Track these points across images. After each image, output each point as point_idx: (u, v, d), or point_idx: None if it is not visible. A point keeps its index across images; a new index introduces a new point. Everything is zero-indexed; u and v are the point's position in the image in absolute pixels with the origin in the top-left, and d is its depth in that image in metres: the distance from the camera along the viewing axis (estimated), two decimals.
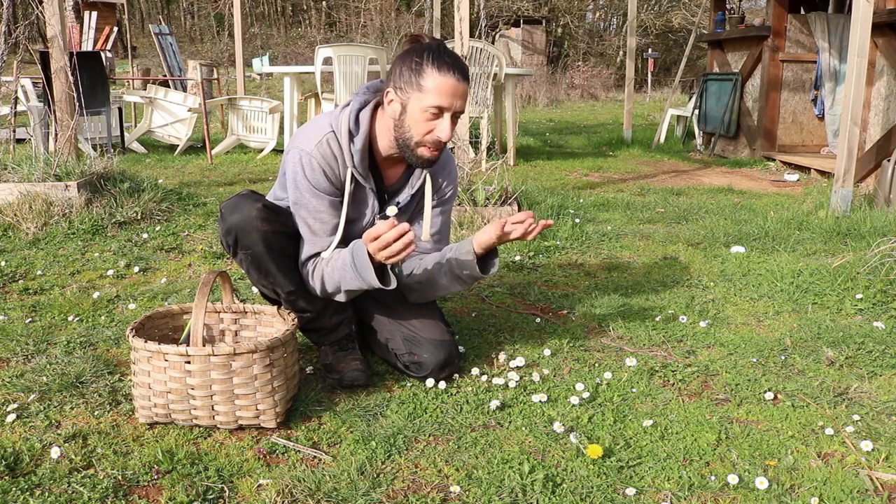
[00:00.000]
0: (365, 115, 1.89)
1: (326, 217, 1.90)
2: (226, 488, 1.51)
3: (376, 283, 1.81)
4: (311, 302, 1.97)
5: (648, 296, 2.79)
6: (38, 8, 3.95)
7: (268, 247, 1.86)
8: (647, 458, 1.65)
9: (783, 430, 1.78)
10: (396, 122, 1.85)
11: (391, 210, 1.89)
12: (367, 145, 1.91)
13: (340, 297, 1.93)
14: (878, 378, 2.07)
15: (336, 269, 1.87)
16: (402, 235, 1.70)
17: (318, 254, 1.91)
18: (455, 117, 1.83)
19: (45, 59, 4.35)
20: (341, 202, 1.92)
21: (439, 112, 1.80)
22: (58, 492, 1.48)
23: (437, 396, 1.94)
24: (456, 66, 1.80)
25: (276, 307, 2.02)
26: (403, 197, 2.00)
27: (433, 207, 2.04)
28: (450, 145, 2.14)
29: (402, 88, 1.81)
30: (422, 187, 2.00)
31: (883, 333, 2.38)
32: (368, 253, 1.77)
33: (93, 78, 5.70)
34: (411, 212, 2.05)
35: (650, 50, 17.66)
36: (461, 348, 2.22)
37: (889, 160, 4.16)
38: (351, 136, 1.88)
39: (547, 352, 2.23)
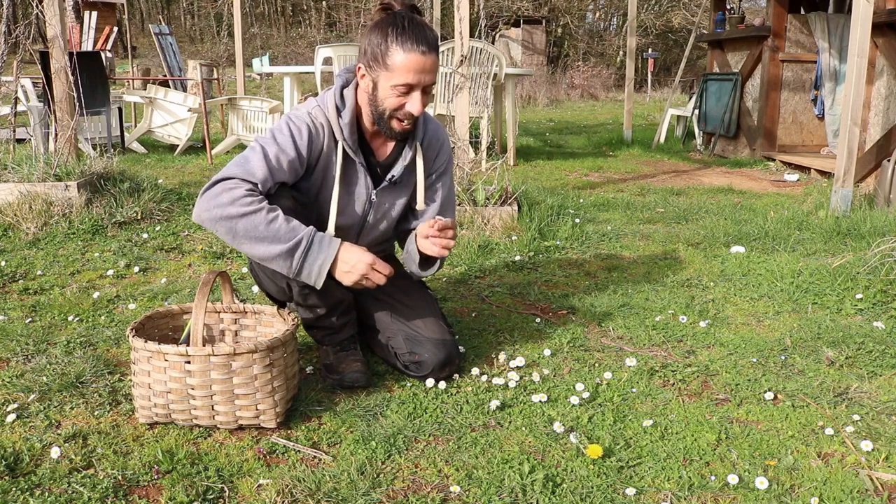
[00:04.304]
0: (349, 92, 1.92)
1: (286, 166, 1.82)
2: (226, 488, 1.51)
3: (323, 277, 1.77)
4: (323, 298, 1.95)
5: (648, 296, 2.79)
6: (38, 8, 3.95)
7: None
8: (647, 458, 1.65)
9: (783, 430, 1.78)
10: (370, 97, 1.88)
11: None
12: (356, 120, 1.93)
13: (242, 248, 1.73)
14: (878, 378, 2.07)
15: (280, 236, 1.70)
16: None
17: (255, 185, 1.74)
18: (426, 90, 1.84)
19: (45, 59, 4.35)
20: (301, 173, 1.88)
21: (408, 89, 1.82)
22: (58, 492, 1.48)
23: (437, 396, 1.94)
24: (421, 39, 1.78)
25: (276, 307, 2.02)
26: (397, 170, 2.01)
27: (433, 180, 2.08)
28: (450, 145, 2.16)
29: (370, 66, 1.83)
30: (414, 159, 2.02)
31: (883, 333, 2.38)
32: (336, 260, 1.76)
33: (93, 78, 5.70)
34: (404, 183, 2.06)
35: (650, 50, 17.67)
36: (461, 348, 2.22)
37: (889, 160, 4.16)
38: (338, 111, 1.90)
39: (547, 352, 2.23)
